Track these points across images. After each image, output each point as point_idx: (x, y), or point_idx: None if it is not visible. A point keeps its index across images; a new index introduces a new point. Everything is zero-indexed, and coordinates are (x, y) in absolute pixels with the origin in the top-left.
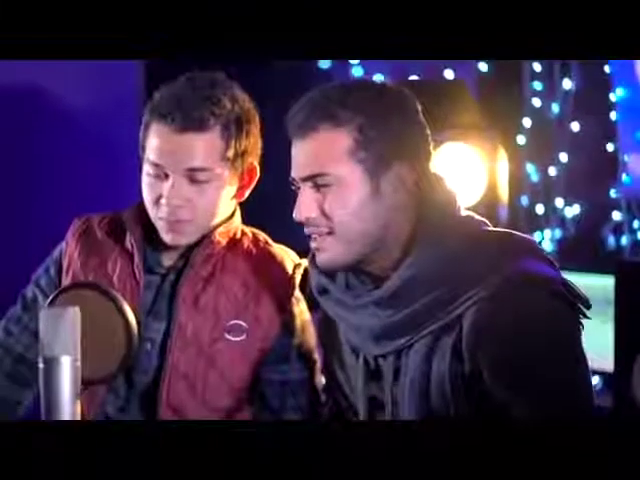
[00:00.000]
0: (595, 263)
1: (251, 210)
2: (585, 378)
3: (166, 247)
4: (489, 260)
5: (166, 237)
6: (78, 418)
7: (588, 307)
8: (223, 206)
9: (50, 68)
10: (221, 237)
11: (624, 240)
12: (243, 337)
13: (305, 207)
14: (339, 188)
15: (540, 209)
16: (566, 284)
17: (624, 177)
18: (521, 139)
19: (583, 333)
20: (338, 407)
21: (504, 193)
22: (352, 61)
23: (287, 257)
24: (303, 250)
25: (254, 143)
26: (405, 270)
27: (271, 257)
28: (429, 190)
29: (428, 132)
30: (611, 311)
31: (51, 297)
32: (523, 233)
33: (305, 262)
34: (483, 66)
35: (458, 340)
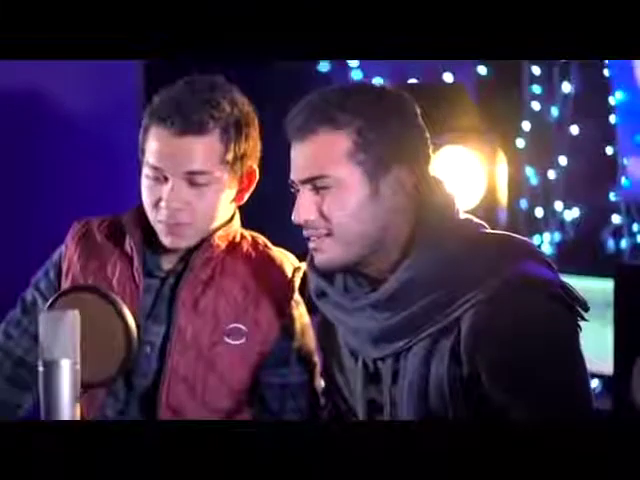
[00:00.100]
0: (594, 266)
1: (250, 213)
2: (584, 380)
3: (165, 250)
4: (487, 263)
5: (165, 240)
6: None
7: (586, 310)
8: (222, 209)
9: (49, 69)
10: (220, 240)
11: (623, 243)
12: (242, 340)
13: (304, 209)
14: (338, 190)
15: (539, 212)
16: (564, 287)
17: (623, 180)
18: (520, 142)
19: (582, 336)
20: (337, 410)
21: (503, 196)
22: (351, 64)
23: (286, 260)
24: (302, 253)
25: (253, 146)
26: (403, 273)
27: (270, 260)
28: (428, 193)
29: (427, 135)
30: (610, 314)
31: (51, 300)
32: (522, 236)
33: (304, 265)
34: (482, 69)
35: (456, 343)
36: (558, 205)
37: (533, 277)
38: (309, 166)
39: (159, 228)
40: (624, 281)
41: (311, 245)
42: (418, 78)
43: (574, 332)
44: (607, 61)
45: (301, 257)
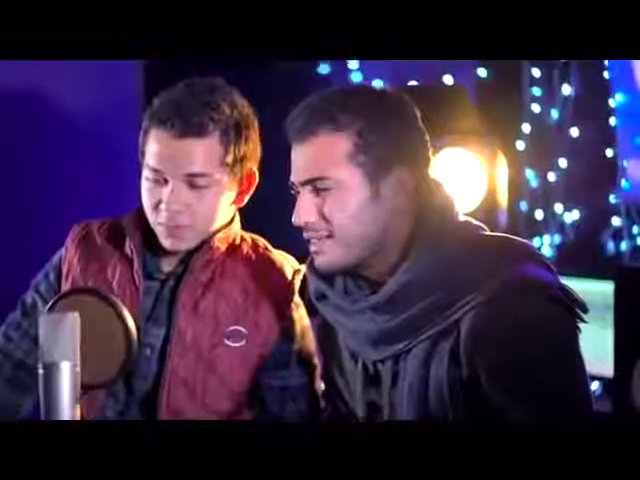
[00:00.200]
0: (594, 269)
1: (250, 216)
2: (583, 382)
3: (165, 252)
4: (487, 265)
5: (165, 242)
6: None
7: (585, 312)
8: (222, 212)
9: (49, 70)
10: (220, 243)
11: (623, 245)
12: (242, 343)
13: (304, 211)
14: (339, 192)
15: (539, 215)
16: (564, 289)
17: (623, 183)
18: (520, 145)
19: (582, 338)
20: (337, 413)
21: (503, 199)
22: (351, 66)
23: (286, 263)
24: (302, 256)
25: (253, 149)
26: (402, 275)
27: (270, 263)
28: (427, 195)
29: (427, 138)
30: (610, 316)
31: (50, 303)
32: (522, 239)
33: (304, 268)
34: (482, 72)
35: (456, 345)
36: (558, 207)
37: (532, 279)
38: (309, 168)
39: (159, 230)
40: (624, 283)
41: (312, 248)
42: (418, 80)
43: (574, 334)
44: (607, 63)
45: (301, 259)
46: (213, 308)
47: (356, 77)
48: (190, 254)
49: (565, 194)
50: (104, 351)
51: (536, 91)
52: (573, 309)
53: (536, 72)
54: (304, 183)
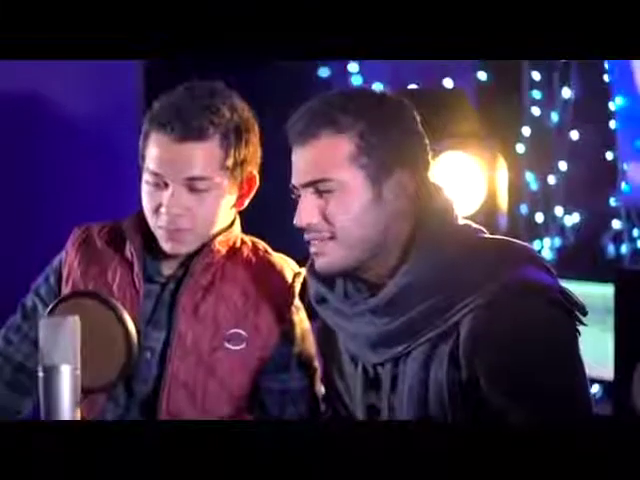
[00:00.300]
0: (595, 271)
1: (250, 219)
2: (583, 385)
3: (166, 256)
4: (486, 267)
5: (166, 246)
6: None
7: (585, 314)
8: (222, 215)
9: (49, 71)
10: (221, 246)
11: (624, 248)
12: (243, 346)
13: (306, 213)
14: (342, 193)
15: (540, 218)
16: (563, 292)
17: (623, 186)
18: (520, 148)
19: (582, 341)
20: (337, 416)
21: (503, 202)
22: (351, 69)
23: (287, 266)
24: (302, 259)
25: (253, 152)
26: (401, 277)
27: (271, 266)
28: (428, 198)
29: (426, 141)
30: (610, 320)
31: (51, 306)
32: (522, 242)
33: (305, 271)
34: (482, 75)
35: (455, 347)
36: (558, 210)
37: (532, 282)
38: (311, 170)
39: (159, 234)
40: (624, 286)
41: (312, 249)
42: (418, 84)
43: (573, 337)
44: (607, 66)
45: (301, 263)
46: (213, 311)
47: (356, 80)
48: (190, 257)
49: (565, 197)
50: (104, 354)
51: (536, 94)
52: (573, 312)
53: (536, 75)
54: (306, 185)
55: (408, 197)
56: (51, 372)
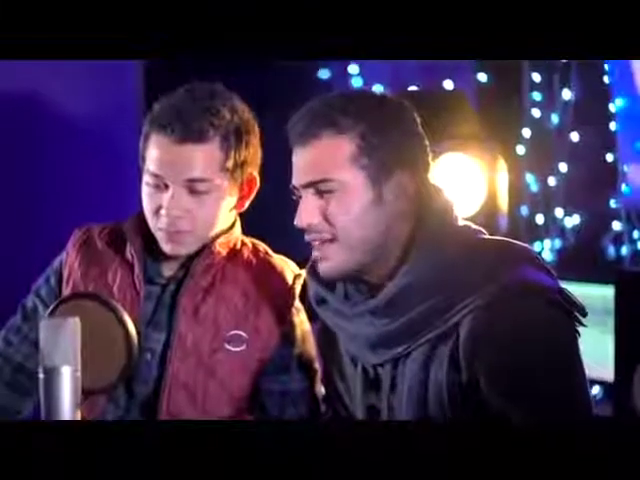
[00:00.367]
0: (595, 273)
1: (251, 220)
2: (582, 386)
3: (166, 257)
4: (486, 268)
5: (166, 247)
6: None
7: (585, 315)
8: (223, 217)
9: (49, 71)
10: (221, 247)
11: (624, 250)
12: (243, 347)
13: (307, 213)
14: (343, 194)
15: (540, 219)
16: (563, 292)
17: (624, 187)
18: (521, 149)
19: (582, 342)
20: (338, 417)
21: (504, 203)
22: (351, 71)
23: (287, 267)
24: (303, 260)
25: (253, 154)
26: (401, 278)
27: (271, 267)
28: (427, 199)
29: (427, 143)
30: (610, 321)
31: (51, 307)
32: (523, 243)
33: (305, 272)
34: (482, 77)
35: (455, 348)
36: (559, 212)
37: (531, 283)
38: (312, 170)
39: (159, 235)
40: (625, 288)
41: (315, 253)
42: (418, 85)
43: (573, 338)
44: (607, 68)
45: (302, 264)
46: (213, 313)
47: (356, 82)
48: (191, 259)
49: (565, 199)
50: (105, 356)
51: (536, 96)
52: (572, 313)
53: (536, 77)
54: (306, 186)
55: (408, 198)
56: (51, 373)
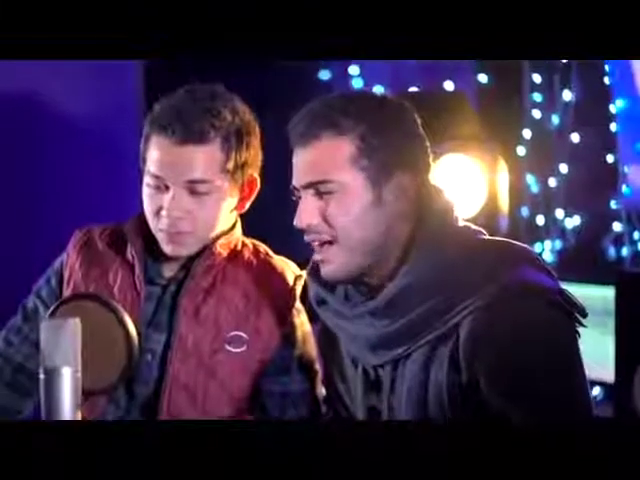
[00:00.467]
0: (595, 274)
1: (252, 221)
2: (582, 387)
3: (167, 258)
4: (486, 269)
5: (166, 248)
6: None
7: (585, 316)
8: (223, 218)
9: (49, 71)
10: (222, 248)
11: (624, 251)
12: (243, 348)
13: (307, 214)
14: (342, 195)
15: (540, 220)
16: (563, 293)
17: (624, 188)
18: (521, 150)
19: (582, 343)
20: (338, 418)
21: (504, 204)
22: (352, 72)
23: (288, 268)
24: (303, 261)
25: (254, 155)
26: (401, 279)
27: (272, 268)
28: (428, 200)
29: (427, 144)
30: (611, 322)
31: (52, 308)
32: (523, 244)
33: (305, 273)
34: (483, 77)
35: (455, 349)
36: (559, 213)
37: (531, 284)
38: (312, 171)
39: (160, 236)
40: (625, 289)
41: (317, 257)
42: (419, 86)
43: (573, 339)
44: (608, 69)
45: (302, 265)
46: (214, 314)
47: (357, 83)
48: (191, 259)
49: (566, 200)
50: (105, 357)
51: (537, 97)
52: (572, 314)
53: (537, 78)
54: (306, 186)
55: (408, 199)
56: (52, 374)
